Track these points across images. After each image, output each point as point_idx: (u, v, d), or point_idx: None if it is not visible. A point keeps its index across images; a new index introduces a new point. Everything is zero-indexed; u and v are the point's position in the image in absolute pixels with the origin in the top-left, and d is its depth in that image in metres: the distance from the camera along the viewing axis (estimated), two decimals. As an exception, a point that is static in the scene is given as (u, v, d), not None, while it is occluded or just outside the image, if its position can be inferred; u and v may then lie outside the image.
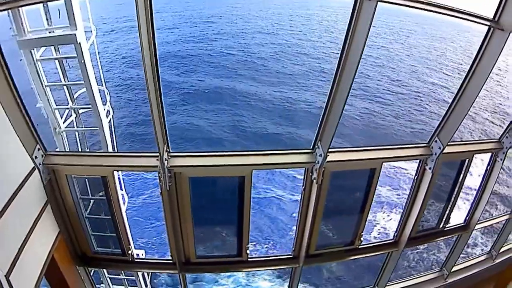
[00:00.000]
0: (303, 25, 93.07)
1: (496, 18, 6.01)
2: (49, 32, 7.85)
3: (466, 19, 6.06)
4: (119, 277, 10.84)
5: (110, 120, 9.20)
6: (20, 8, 7.17)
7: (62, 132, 8.80)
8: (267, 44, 73.89)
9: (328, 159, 6.49)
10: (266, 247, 27.10)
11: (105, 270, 9.93)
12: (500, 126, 46.88)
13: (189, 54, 64.91)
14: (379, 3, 5.04)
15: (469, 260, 11.16)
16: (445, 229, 9.23)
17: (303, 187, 7.20)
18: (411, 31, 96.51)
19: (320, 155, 6.52)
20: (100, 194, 6.98)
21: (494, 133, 43.96)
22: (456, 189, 8.65)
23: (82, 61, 7.81)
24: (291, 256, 8.13)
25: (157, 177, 6.30)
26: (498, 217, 11.04)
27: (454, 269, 10.37)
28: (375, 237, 27.67)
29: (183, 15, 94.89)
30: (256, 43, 74.58)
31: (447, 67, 70.28)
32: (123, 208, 7.40)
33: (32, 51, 7.69)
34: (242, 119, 44.47)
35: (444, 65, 71.19)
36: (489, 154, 8.86)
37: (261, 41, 75.96)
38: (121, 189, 8.10)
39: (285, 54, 68.82)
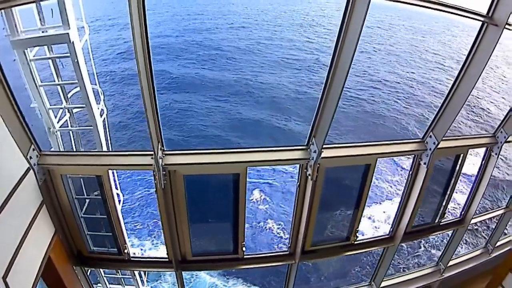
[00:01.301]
0: (284, 21, 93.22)
1: (490, 14, 6.03)
2: (42, 32, 7.82)
3: (460, 15, 6.09)
4: (115, 276, 10.85)
5: (104, 119, 9.18)
6: (12, 8, 7.14)
7: (56, 132, 8.79)
8: (239, 40, 74.54)
9: (323, 155, 6.50)
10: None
11: (101, 270, 9.93)
12: (474, 121, 46.97)
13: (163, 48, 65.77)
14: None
15: (465, 255, 11.21)
16: (441, 223, 9.27)
17: (298, 184, 7.22)
18: (399, 26, 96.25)
19: (315, 152, 6.52)
20: (96, 193, 6.98)
21: (466, 131, 43.85)
22: (451, 183, 8.68)
23: (76, 60, 7.79)
24: (287, 252, 8.17)
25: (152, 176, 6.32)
26: (493, 211, 11.08)
27: (450, 263, 10.41)
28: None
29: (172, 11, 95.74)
30: (228, 38, 75.44)
31: (431, 62, 69.97)
32: (119, 207, 7.38)
33: (26, 51, 7.67)
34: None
35: (427, 60, 70.86)
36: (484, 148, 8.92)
37: (232, 36, 76.71)
38: (116, 188, 8.09)
39: (258, 48, 69.63)
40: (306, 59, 65.29)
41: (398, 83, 58.45)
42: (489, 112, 49.89)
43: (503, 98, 55.20)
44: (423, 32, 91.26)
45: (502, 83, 61.09)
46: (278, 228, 27.82)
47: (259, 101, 48.95)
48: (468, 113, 48.14)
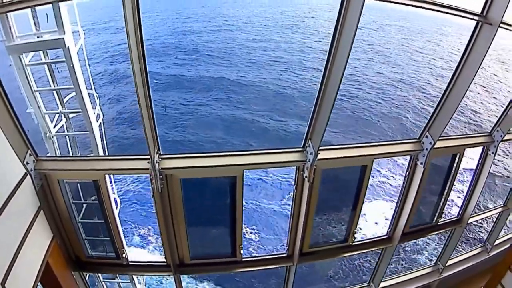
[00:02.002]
0: (273, 23, 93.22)
1: (484, 13, 6.05)
2: (38, 37, 7.81)
3: (454, 15, 6.11)
4: (114, 280, 10.82)
5: (101, 123, 9.17)
6: (8, 13, 7.13)
7: (52, 137, 8.78)
8: (225, 42, 75.29)
9: (319, 157, 6.51)
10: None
11: (99, 274, 9.90)
12: (462, 121, 46.31)
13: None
14: (366, 1, 5.05)
15: (464, 254, 11.24)
16: (439, 223, 9.28)
17: (295, 186, 7.23)
18: (390, 26, 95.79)
19: (311, 153, 6.53)
20: (93, 198, 6.97)
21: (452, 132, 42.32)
22: (448, 183, 8.69)
23: (71, 65, 7.78)
24: (285, 255, 8.17)
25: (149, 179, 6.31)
26: (491, 210, 11.10)
27: (449, 263, 10.42)
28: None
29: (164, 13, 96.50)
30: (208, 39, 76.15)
31: (420, 62, 69.24)
32: (116, 212, 7.37)
33: (21, 56, 7.66)
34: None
35: (416, 60, 70.12)
36: (480, 148, 8.94)
37: (218, 38, 77.47)
38: (113, 193, 8.09)
39: (242, 50, 70.00)
40: (292, 61, 65.23)
41: (386, 84, 57.51)
42: (476, 112, 49.19)
43: (494, 98, 54.56)
44: (414, 32, 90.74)
45: (494, 82, 60.58)
46: (250, 233, 27.62)
47: (238, 102, 49.02)
48: (457, 115, 47.40)
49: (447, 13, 5.98)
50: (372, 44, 76.35)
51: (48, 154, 8.70)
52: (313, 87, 52.00)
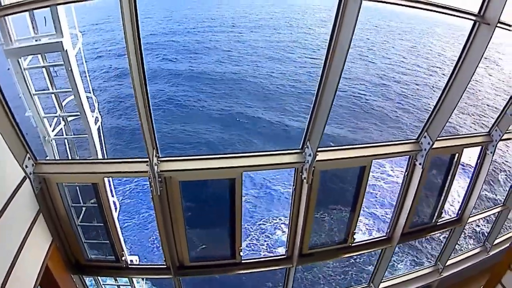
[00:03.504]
0: (262, 23, 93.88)
1: (482, 13, 6.06)
2: (36, 40, 7.82)
3: (451, 15, 6.12)
4: (114, 283, 10.82)
5: (99, 127, 9.17)
6: (6, 17, 7.13)
7: (51, 140, 8.78)
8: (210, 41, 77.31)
9: (318, 158, 6.51)
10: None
11: (99, 277, 9.90)
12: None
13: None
14: (363, 2, 5.05)
15: (463, 254, 11.24)
16: (438, 223, 9.28)
17: (293, 187, 7.23)
18: (379, 27, 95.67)
19: (310, 155, 6.53)
20: (92, 201, 6.97)
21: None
22: (447, 183, 8.69)
23: (70, 69, 7.78)
24: (285, 256, 8.17)
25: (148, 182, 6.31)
26: (490, 210, 11.10)
27: (448, 262, 10.43)
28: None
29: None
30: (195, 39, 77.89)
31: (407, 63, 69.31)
32: (115, 215, 7.37)
33: (19, 59, 7.66)
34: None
35: (402, 61, 70.10)
36: (479, 147, 8.94)
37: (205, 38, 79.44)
38: (112, 196, 8.09)
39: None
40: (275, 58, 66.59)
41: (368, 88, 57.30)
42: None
43: (486, 97, 54.00)
44: (404, 32, 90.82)
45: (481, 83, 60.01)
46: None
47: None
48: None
49: (444, 13, 5.99)
50: (354, 47, 76.37)
51: (47, 158, 8.70)
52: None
